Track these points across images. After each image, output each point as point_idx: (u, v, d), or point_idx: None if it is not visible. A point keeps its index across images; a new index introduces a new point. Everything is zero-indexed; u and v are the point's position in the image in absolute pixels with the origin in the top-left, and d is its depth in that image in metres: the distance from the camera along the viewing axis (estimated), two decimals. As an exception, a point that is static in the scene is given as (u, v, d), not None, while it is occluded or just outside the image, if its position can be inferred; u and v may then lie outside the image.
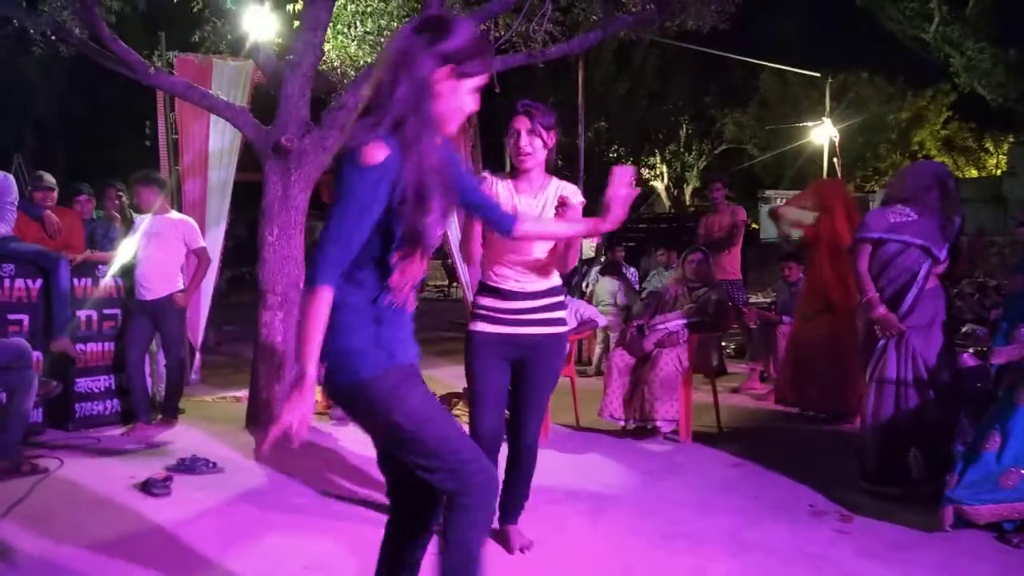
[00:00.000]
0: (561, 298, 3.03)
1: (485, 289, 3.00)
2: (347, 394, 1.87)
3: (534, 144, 2.89)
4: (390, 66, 1.81)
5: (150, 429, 5.06)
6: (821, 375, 5.40)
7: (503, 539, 3.09)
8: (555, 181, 3.00)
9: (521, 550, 3.04)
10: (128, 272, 5.29)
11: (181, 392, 5.36)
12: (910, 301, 3.78)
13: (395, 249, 1.83)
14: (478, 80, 1.87)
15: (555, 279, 3.00)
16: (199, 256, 5.36)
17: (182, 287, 5.27)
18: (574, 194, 2.96)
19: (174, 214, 5.45)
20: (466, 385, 6.07)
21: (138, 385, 5.16)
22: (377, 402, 1.83)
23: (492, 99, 1.88)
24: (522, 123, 2.88)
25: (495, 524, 3.12)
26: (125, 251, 5.26)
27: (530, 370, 2.96)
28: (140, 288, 5.18)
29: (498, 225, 2.21)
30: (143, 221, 5.25)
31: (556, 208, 2.91)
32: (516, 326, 2.93)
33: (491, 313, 2.96)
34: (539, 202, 2.94)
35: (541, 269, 2.95)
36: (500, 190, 2.96)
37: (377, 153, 1.75)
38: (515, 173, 2.99)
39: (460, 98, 1.86)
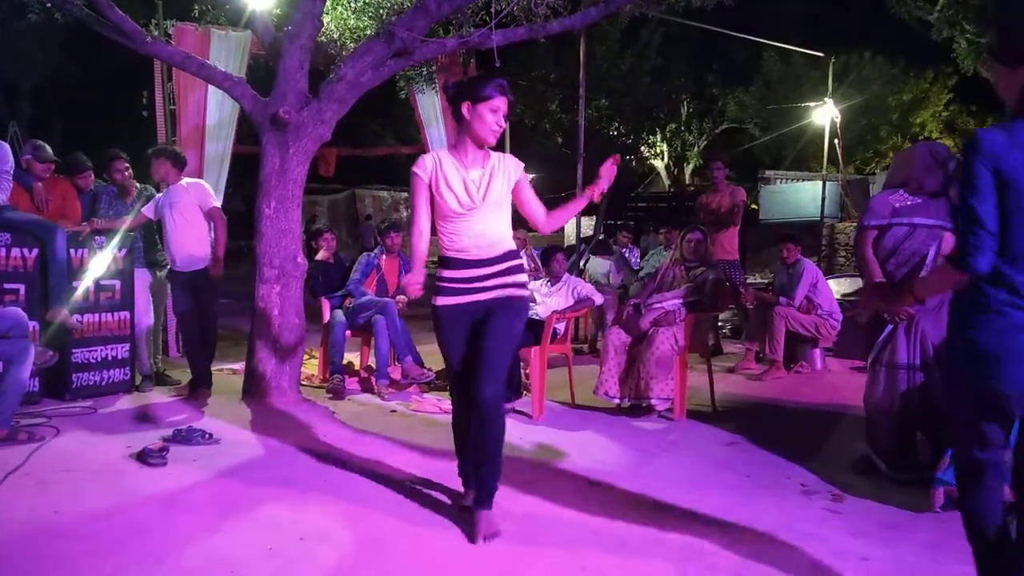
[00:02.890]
0: (518, 261, 3.10)
1: (444, 262, 3.09)
2: None
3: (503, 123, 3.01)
4: None
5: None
6: None
7: (469, 523, 2.98)
8: (494, 155, 3.07)
9: (484, 539, 2.88)
10: (132, 244, 5.46)
11: (211, 359, 5.54)
12: None
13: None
14: None
15: (509, 244, 3.09)
16: (214, 217, 5.40)
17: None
18: (516, 167, 3.08)
19: (184, 180, 5.46)
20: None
21: (197, 355, 5.39)
22: None
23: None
24: (504, 103, 2.97)
25: (468, 502, 3.13)
26: (136, 227, 5.44)
27: (484, 326, 3.00)
28: (173, 261, 5.33)
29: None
30: (162, 193, 5.37)
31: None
32: (474, 294, 3.04)
33: (452, 285, 3.07)
34: (485, 173, 3.02)
35: (496, 238, 3.03)
36: (447, 168, 3.01)
37: None
38: (458, 147, 3.05)
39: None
